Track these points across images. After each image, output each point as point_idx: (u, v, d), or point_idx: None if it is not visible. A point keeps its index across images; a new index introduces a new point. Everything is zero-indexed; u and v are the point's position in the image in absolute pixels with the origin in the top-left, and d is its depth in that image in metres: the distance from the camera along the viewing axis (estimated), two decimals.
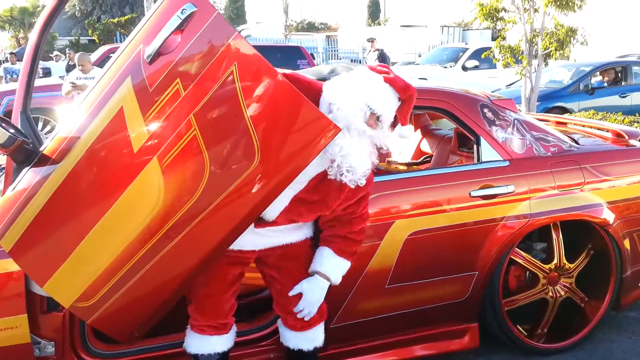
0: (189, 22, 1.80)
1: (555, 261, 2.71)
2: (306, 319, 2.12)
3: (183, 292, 2.21)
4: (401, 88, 1.97)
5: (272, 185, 2.00)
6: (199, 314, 2.13)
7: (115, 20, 23.41)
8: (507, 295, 2.69)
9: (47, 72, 11.93)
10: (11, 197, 1.92)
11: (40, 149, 1.94)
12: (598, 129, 3.29)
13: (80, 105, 1.93)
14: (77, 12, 30.14)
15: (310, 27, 43.81)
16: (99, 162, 1.90)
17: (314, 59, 9.05)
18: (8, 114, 7.78)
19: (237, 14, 35.78)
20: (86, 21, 27.89)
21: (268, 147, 1.90)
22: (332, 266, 2.10)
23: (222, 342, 2.15)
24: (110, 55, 8.99)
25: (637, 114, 5.94)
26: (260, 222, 2.08)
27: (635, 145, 3.01)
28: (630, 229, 2.80)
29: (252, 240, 2.10)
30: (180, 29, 1.81)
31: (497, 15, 6.77)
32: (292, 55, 8.52)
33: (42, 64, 13.00)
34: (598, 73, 9.57)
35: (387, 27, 32.35)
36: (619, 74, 9.70)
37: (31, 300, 2.04)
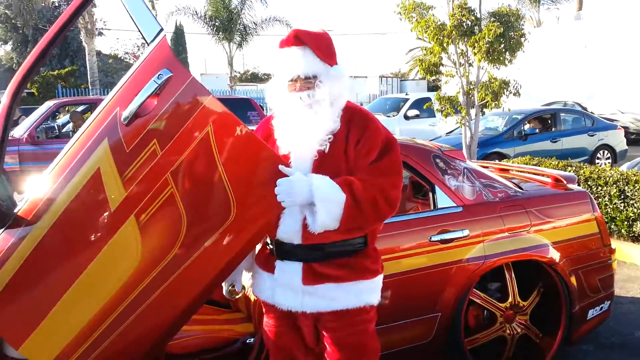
0: (165, 86, 1.90)
1: (510, 299, 2.89)
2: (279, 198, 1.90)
3: (159, 348, 2.21)
4: None
5: (249, 236, 2.08)
6: None
7: (56, 72, 23.01)
8: (468, 334, 2.82)
9: None
10: None
11: (15, 211, 1.95)
12: (537, 174, 3.56)
13: (55, 167, 1.96)
14: (14, 65, 29.45)
15: (254, 78, 44.43)
16: (75, 222, 1.92)
17: (263, 109, 9.20)
18: None
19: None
20: None
21: (243, 200, 1.98)
22: (324, 183, 1.86)
23: None
24: (59, 109, 8.77)
25: (569, 158, 6.40)
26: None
27: (572, 189, 3.28)
28: (575, 267, 3.02)
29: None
30: (156, 93, 1.90)
31: (435, 69, 7.21)
32: (242, 107, 8.66)
33: None
34: (528, 121, 10.25)
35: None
36: (549, 121, 10.43)
37: None
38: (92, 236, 1.92)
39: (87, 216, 1.92)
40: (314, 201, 1.83)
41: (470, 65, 7.25)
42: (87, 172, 1.90)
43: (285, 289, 1.97)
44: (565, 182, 3.28)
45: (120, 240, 1.91)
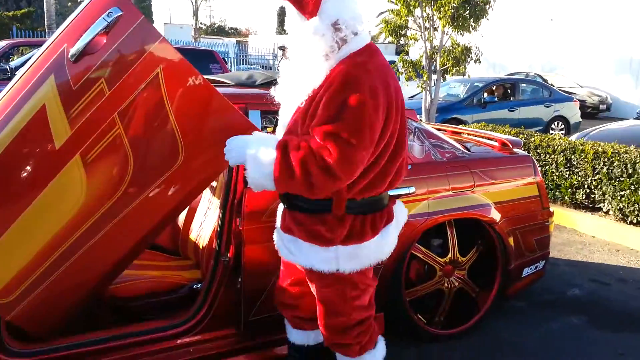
0: (115, 25, 1.88)
1: (449, 255, 3.03)
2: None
3: (102, 288, 2.25)
4: None
5: (195, 183, 2.11)
6: None
7: (11, 13, 21.91)
8: (408, 287, 2.95)
9: None
10: None
11: None
12: (487, 138, 3.68)
13: None
14: None
15: (220, 31, 43.40)
16: (19, 158, 1.91)
17: (226, 63, 9.06)
18: None
19: (144, 13, 34.65)
20: None
21: (192, 147, 2.01)
22: (260, 140, 1.86)
23: None
24: (10, 49, 8.43)
25: (522, 127, 6.59)
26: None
27: (517, 153, 3.42)
28: (514, 227, 3.17)
29: None
30: (105, 31, 1.88)
31: (400, 32, 7.22)
32: (204, 59, 8.50)
33: None
34: (487, 89, 10.44)
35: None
36: (509, 90, 10.65)
37: None
38: (37, 173, 1.92)
39: (31, 153, 1.91)
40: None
41: (435, 30, 7.30)
42: (32, 108, 1.88)
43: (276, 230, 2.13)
44: (511, 146, 3.41)
45: (64, 179, 1.92)
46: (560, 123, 10.75)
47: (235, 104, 2.24)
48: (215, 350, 2.51)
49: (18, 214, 1.90)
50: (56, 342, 2.24)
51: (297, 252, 2.00)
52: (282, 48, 12.04)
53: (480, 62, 7.21)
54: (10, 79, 7.56)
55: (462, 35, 7.28)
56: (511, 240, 3.16)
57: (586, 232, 5.09)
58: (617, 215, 4.95)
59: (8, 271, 1.95)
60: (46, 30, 19.32)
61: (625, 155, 4.87)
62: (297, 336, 2.37)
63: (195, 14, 23.03)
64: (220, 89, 2.70)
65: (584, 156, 5.22)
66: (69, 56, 1.87)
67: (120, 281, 2.45)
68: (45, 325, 2.12)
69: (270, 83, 2.91)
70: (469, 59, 7.13)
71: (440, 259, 3.01)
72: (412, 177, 2.85)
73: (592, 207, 5.30)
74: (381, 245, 2.04)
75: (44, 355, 2.22)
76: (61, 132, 1.89)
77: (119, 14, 1.86)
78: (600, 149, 5.12)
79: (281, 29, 45.85)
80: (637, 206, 4.77)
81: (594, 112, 15.90)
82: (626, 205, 4.86)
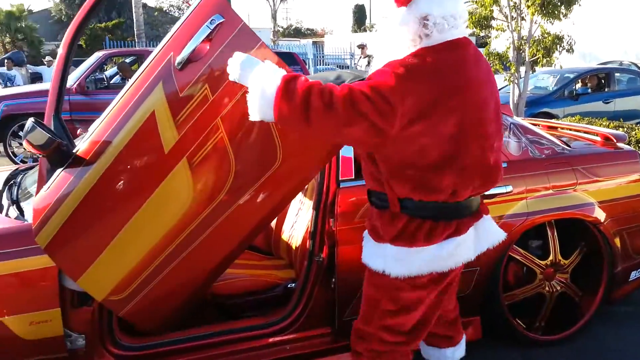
0: (217, 32, 1.94)
1: (550, 257, 2.88)
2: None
3: (210, 284, 2.33)
4: None
5: (293, 184, 2.14)
6: None
7: (103, 25, 23.38)
8: (506, 290, 2.84)
9: (38, 77, 11.93)
10: (45, 196, 2.03)
11: (74, 151, 2.06)
12: (586, 132, 3.47)
13: (111, 110, 2.05)
14: (63, 17, 30.04)
15: (297, 33, 44.01)
16: (131, 163, 2.02)
17: (305, 64, 9.15)
18: (5, 119, 7.76)
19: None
20: None
21: (289, 148, 2.04)
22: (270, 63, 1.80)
23: None
24: (106, 60, 8.93)
25: (621, 119, 6.17)
26: None
27: (622, 148, 3.19)
28: (620, 227, 2.97)
29: None
30: (208, 38, 1.95)
31: (485, 23, 6.98)
32: (285, 61, 8.62)
33: (32, 68, 12.99)
34: (581, 80, 9.86)
35: (374, 33, 32.69)
36: (602, 81, 10.01)
37: (64, 295, 2.14)
38: (147, 176, 2.02)
39: (142, 157, 2.02)
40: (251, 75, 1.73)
41: (522, 19, 6.98)
42: (142, 115, 1.98)
43: None
44: (615, 140, 3.19)
45: (173, 182, 2.02)
46: None
47: None
48: (310, 349, 2.54)
49: (130, 216, 2.02)
50: (161, 337, 2.36)
51: (364, 246, 2.02)
52: (362, 46, 12.05)
53: (573, 51, 6.82)
54: (107, 87, 8.06)
55: (552, 24, 6.91)
56: (617, 242, 2.96)
57: None
58: None
59: (121, 270, 2.07)
60: (135, 39, 20.42)
61: None
62: (431, 353, 2.29)
63: (274, 17, 23.49)
64: None
65: None
66: (176, 64, 1.95)
67: (220, 279, 2.53)
68: (154, 321, 2.23)
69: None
70: (561, 48, 6.76)
71: (540, 262, 2.87)
72: (508, 176, 2.74)
73: None
74: (438, 257, 1.86)
75: (151, 349, 2.34)
76: (169, 137, 1.98)
77: (220, 21, 1.92)
78: None
79: (357, 27, 45.80)
80: None
81: None
82: None
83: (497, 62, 7.09)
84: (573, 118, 6.48)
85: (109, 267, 2.06)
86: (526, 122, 3.22)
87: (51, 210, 2.00)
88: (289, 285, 2.75)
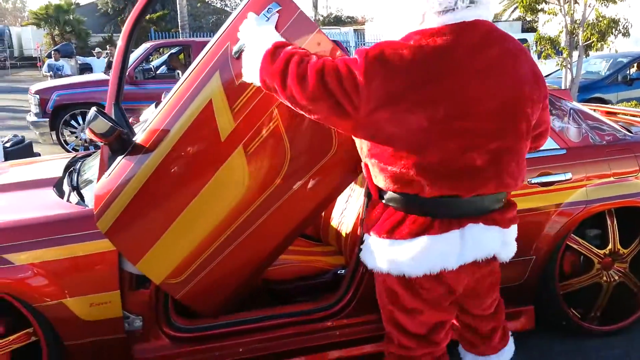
0: (274, 19, 1.93)
1: (610, 247, 2.78)
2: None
3: (260, 272, 2.35)
4: None
5: (346, 172, 2.13)
6: None
7: (147, 17, 23.82)
8: (562, 279, 2.76)
9: (87, 68, 12.27)
10: (106, 183, 2.08)
11: (134, 139, 2.10)
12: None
13: (170, 98, 2.08)
14: (109, 10, 30.77)
15: (338, 21, 43.74)
16: (189, 150, 2.05)
17: (348, 52, 9.08)
18: (57, 108, 8.02)
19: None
20: (119, 18, 28.44)
21: (344, 135, 2.02)
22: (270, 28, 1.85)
23: None
24: (154, 51, 9.07)
25: None
26: None
27: None
28: None
29: None
30: None
31: (537, 7, 6.75)
32: None
33: (82, 59, 13.38)
34: (635, 64, 9.45)
35: None
36: None
37: (123, 278, 2.20)
38: (204, 164, 2.04)
39: (199, 145, 2.04)
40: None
41: (576, 2, 6.73)
42: (200, 103, 2.00)
43: None
44: None
45: (229, 169, 2.03)
46: None
47: None
48: (359, 335, 2.53)
49: (188, 203, 2.05)
50: (214, 320, 2.40)
51: None
52: None
53: (629, 35, 6.53)
54: (154, 77, 8.22)
55: (607, 7, 6.64)
56: None
57: None
58: None
59: (178, 254, 2.11)
60: (179, 30, 20.76)
61: None
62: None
63: (315, 5, 23.42)
64: None
65: None
66: (232, 53, 1.96)
67: (273, 264, 2.55)
68: (209, 304, 2.27)
69: None
70: (616, 32, 6.48)
71: (599, 251, 2.77)
72: (568, 163, 2.66)
73: None
74: (404, 257, 1.71)
75: (204, 331, 2.39)
76: (226, 125, 1.99)
77: (278, 9, 1.91)
78: None
79: None
80: None
81: None
82: None
83: (549, 47, 6.85)
84: (629, 103, 6.21)
85: (167, 252, 2.10)
86: (586, 108, 3.11)
87: (112, 197, 2.05)
88: (338, 272, 2.75)
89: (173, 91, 2.08)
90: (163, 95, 5.68)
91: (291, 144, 2.02)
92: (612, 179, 2.72)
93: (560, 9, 6.74)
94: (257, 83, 1.78)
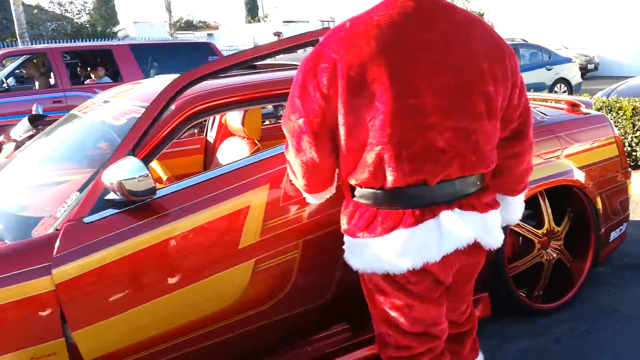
0: None
1: (546, 226, 2.88)
2: None
3: None
4: None
5: None
6: None
7: None
8: (508, 263, 2.81)
9: None
10: (84, 228, 1.77)
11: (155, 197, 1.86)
12: (553, 100, 3.53)
13: (207, 179, 1.98)
14: None
15: (189, 26, 42.59)
16: (201, 240, 1.92)
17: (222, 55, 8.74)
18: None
19: (110, 14, 33.79)
20: None
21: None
22: None
23: None
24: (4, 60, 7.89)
25: (532, 90, 6.48)
26: None
27: (591, 113, 3.27)
28: (600, 190, 3.04)
29: None
30: None
31: None
32: (202, 53, 8.22)
33: None
34: None
35: (269, 23, 32.37)
36: None
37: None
38: (209, 259, 1.93)
39: (215, 240, 1.94)
40: None
41: None
42: (238, 203, 1.95)
43: None
44: (584, 106, 3.27)
45: (229, 276, 1.94)
46: (563, 85, 10.71)
47: None
48: None
49: (169, 290, 1.87)
50: None
51: None
52: (278, 34, 11.80)
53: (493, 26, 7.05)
54: (7, 90, 7.20)
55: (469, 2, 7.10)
56: (599, 204, 3.03)
57: (634, 192, 4.99)
58: None
59: (120, 340, 1.85)
60: (18, 39, 18.70)
61: None
62: None
63: (169, 9, 22.46)
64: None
65: (622, 113, 5.12)
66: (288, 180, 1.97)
67: None
68: None
69: None
70: None
71: (537, 231, 2.86)
72: None
73: (634, 164, 5.21)
74: (384, 253, 1.62)
75: None
76: (250, 236, 1.95)
77: None
78: (638, 104, 5.02)
79: (251, 18, 45.22)
80: None
81: (582, 72, 15.87)
82: None
83: None
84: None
85: (114, 333, 1.83)
86: None
87: (86, 249, 1.77)
88: None
89: (216, 173, 2.01)
90: (34, 108, 4.96)
91: (295, 280, 2.05)
92: (541, 159, 2.82)
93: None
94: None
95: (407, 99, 1.52)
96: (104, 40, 18.83)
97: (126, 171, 1.67)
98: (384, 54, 1.50)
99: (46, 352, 1.74)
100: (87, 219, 1.79)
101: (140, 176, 1.67)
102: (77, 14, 28.49)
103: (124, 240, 1.78)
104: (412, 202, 1.61)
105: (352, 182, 1.66)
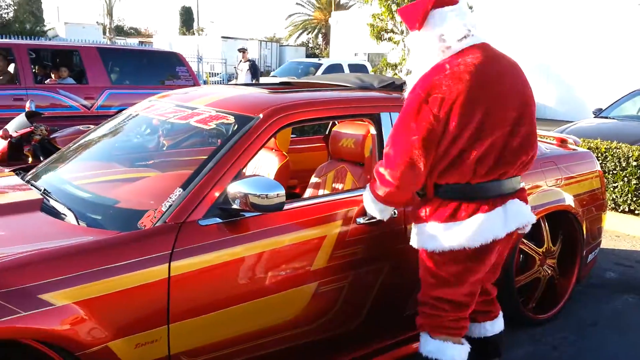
0: None
1: (545, 245, 3.26)
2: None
3: None
4: None
5: None
6: None
7: None
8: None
9: None
10: (200, 229, 1.98)
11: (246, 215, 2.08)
12: (545, 137, 3.97)
13: (301, 205, 2.30)
14: None
15: (119, 31, 41.41)
16: (290, 256, 2.18)
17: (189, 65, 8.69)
18: None
19: (37, 13, 32.21)
20: None
21: None
22: (365, 195, 2.34)
23: None
24: None
25: None
26: None
27: (578, 149, 3.73)
28: (587, 217, 3.47)
29: None
30: None
31: (385, 34, 7.46)
32: (169, 63, 8.17)
33: None
34: None
35: (208, 37, 32.23)
36: None
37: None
38: (288, 276, 2.17)
39: (297, 257, 2.20)
40: None
41: None
42: (315, 233, 2.25)
43: None
44: (573, 142, 3.72)
45: (299, 293, 2.19)
46: None
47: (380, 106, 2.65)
48: None
49: (250, 299, 2.07)
50: None
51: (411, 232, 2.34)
52: (242, 50, 11.89)
53: None
54: None
55: None
56: (585, 229, 3.45)
57: None
58: (611, 206, 5.50)
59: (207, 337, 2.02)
60: None
61: (617, 150, 5.42)
62: (472, 327, 2.51)
63: (110, 13, 21.86)
64: (350, 93, 2.78)
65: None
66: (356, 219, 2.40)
67: None
68: None
69: (388, 86, 3.01)
70: None
71: (539, 250, 3.23)
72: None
73: None
74: (464, 232, 2.14)
75: None
76: (321, 260, 2.24)
77: None
78: (592, 145, 5.63)
79: (185, 29, 44.67)
80: (629, 196, 5.34)
81: None
82: (619, 196, 5.42)
83: (393, 71, 7.62)
84: None
85: (200, 331, 1.99)
86: None
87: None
88: None
89: (302, 203, 2.34)
90: (28, 104, 4.85)
91: (343, 302, 2.34)
92: (546, 187, 3.20)
93: (403, 39, 7.57)
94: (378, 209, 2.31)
95: (499, 114, 2.11)
96: (34, 39, 17.99)
97: (258, 187, 1.93)
98: (479, 84, 2.09)
99: (150, 338, 1.83)
100: (202, 222, 1.97)
101: (277, 194, 1.94)
102: (4, 9, 27.01)
103: (229, 247, 1.99)
104: (489, 194, 2.17)
105: (442, 182, 2.17)
